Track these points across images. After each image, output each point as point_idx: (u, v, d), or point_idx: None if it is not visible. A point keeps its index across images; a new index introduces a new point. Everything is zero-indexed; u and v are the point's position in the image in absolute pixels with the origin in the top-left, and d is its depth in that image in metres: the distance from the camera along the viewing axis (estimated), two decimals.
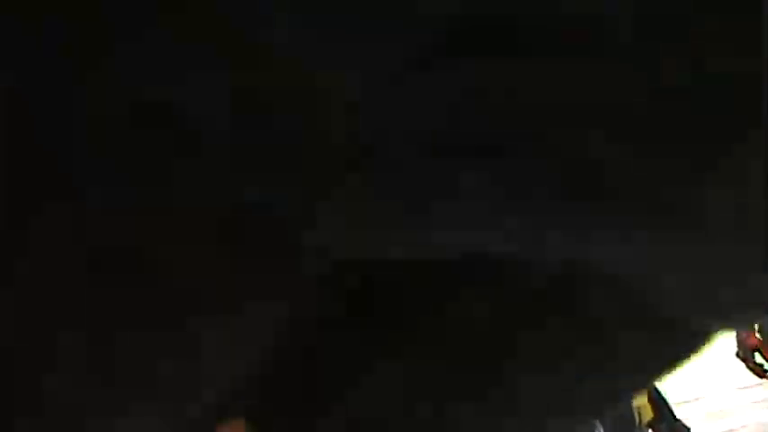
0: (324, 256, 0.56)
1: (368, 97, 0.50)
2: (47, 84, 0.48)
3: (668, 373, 0.75)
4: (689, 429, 4.80)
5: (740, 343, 4.79)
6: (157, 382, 0.59)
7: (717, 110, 0.53)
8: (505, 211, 0.56)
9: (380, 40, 0.49)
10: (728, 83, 0.53)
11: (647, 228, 0.56)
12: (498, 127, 0.53)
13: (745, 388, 4.78)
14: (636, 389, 1.00)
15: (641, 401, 4.44)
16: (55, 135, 0.50)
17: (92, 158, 0.50)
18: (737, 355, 4.89)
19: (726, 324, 0.70)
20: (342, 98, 0.50)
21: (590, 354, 0.72)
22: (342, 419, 0.70)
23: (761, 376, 4.94)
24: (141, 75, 0.48)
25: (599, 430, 3.87)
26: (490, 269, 0.64)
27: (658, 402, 4.65)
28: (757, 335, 4.75)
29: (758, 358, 4.81)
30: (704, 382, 17.82)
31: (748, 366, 4.88)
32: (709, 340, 0.71)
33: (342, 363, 0.71)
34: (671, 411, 4.73)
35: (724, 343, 4.21)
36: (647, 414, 4.57)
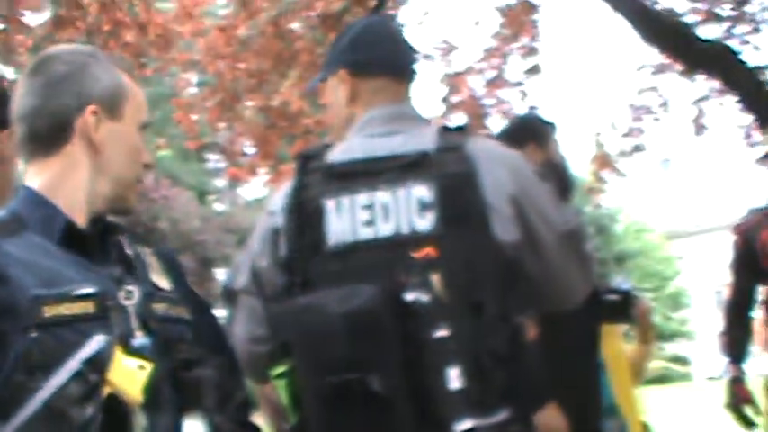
0: None
1: None
2: None
3: None
4: None
5: (731, 395, 5.13)
6: None
7: None
8: None
9: None
10: None
11: None
12: None
13: None
14: None
15: None
16: None
17: None
18: (728, 406, 5.12)
19: None
20: None
21: None
22: None
23: (749, 427, 5.11)
24: None
25: None
26: None
27: None
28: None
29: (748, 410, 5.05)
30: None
31: (738, 418, 5.08)
32: None
33: None
34: None
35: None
36: None
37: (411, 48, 2.98)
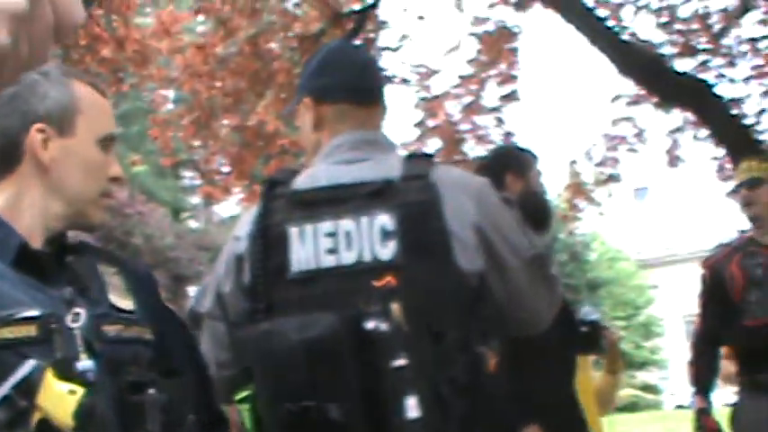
0: None
1: None
2: None
3: None
4: None
5: (699, 427, 5.16)
6: None
7: None
8: None
9: None
10: None
11: None
12: None
13: None
14: None
15: None
16: None
17: None
18: None
19: None
20: None
21: None
22: None
23: None
24: None
25: None
26: None
27: None
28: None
29: None
30: None
31: None
32: None
33: None
34: None
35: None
36: None
37: (377, 72, 3.01)
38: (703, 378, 5.32)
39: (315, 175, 2.76)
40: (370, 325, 2.35)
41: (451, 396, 2.37)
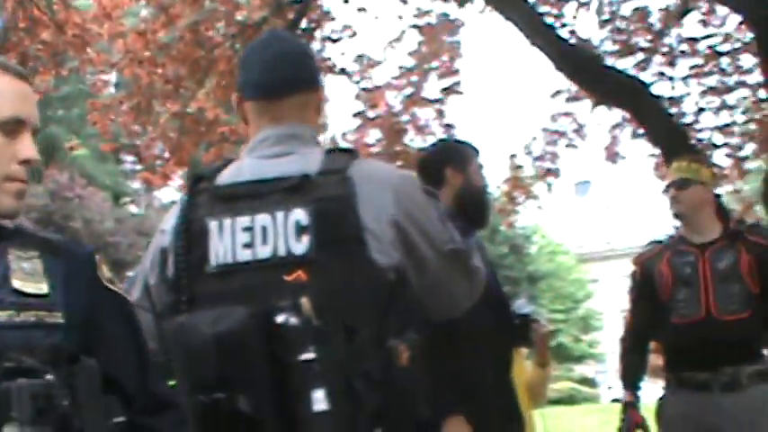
0: None
1: None
2: None
3: None
4: None
5: (624, 419, 5.23)
6: None
7: None
8: None
9: None
10: None
11: None
12: None
13: None
14: None
15: None
16: None
17: None
18: (619, 430, 5.16)
19: None
20: None
21: None
22: None
23: None
24: None
25: None
26: None
27: None
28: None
29: None
30: None
31: None
32: None
33: None
34: None
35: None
36: None
37: (291, 64, 2.92)
38: (631, 373, 5.38)
39: (239, 169, 2.79)
40: (280, 319, 2.38)
41: (365, 390, 2.40)
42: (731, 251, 5.08)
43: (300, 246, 2.56)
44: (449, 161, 4.19)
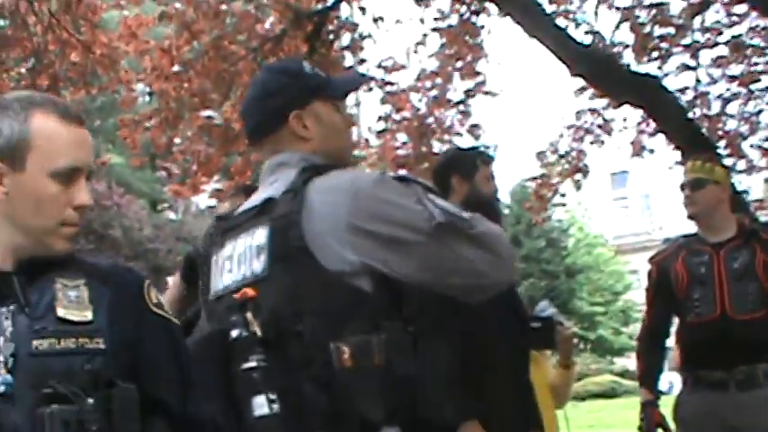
0: None
1: None
2: None
3: None
4: None
5: (644, 418, 5.31)
6: None
7: None
8: None
9: None
10: None
11: None
12: None
13: None
14: None
15: None
16: None
17: None
18: (640, 429, 5.27)
19: None
20: None
21: None
22: None
23: None
24: None
25: None
26: None
27: None
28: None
29: None
30: None
31: None
32: None
33: None
34: None
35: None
36: None
37: (255, 112, 3.01)
38: (649, 372, 5.45)
39: (249, 202, 2.95)
40: (234, 333, 2.54)
41: (313, 393, 2.52)
42: (746, 250, 5.13)
43: (259, 264, 2.69)
44: (455, 170, 4.32)
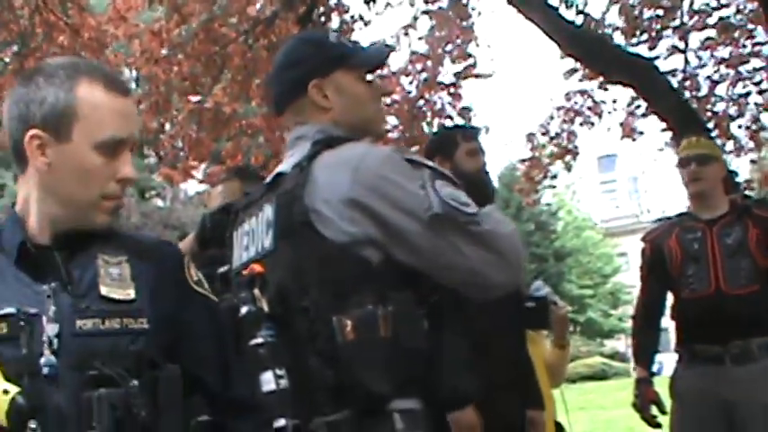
0: None
1: None
2: None
3: None
4: None
5: (638, 395, 5.34)
6: None
7: None
8: None
9: None
10: None
11: None
12: None
13: None
14: None
15: None
16: None
17: None
18: (634, 406, 5.34)
19: None
20: None
21: None
22: None
23: (655, 426, 5.29)
24: None
25: None
26: None
27: None
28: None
29: (653, 410, 5.25)
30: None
31: (644, 417, 5.29)
32: None
33: None
34: None
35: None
36: None
37: (286, 72, 2.96)
38: (644, 349, 5.47)
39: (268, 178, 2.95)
40: (243, 310, 2.52)
41: (320, 367, 2.50)
42: (739, 226, 5.14)
43: (267, 240, 2.68)
44: (437, 151, 4.33)
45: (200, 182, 12.62)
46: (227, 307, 2.58)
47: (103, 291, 2.21)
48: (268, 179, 2.87)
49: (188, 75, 10.20)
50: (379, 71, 3.32)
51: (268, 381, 2.44)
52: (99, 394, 2.07)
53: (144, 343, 2.20)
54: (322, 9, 10.32)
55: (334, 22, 10.91)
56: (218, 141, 11.51)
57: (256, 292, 2.55)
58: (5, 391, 2.03)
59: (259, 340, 2.48)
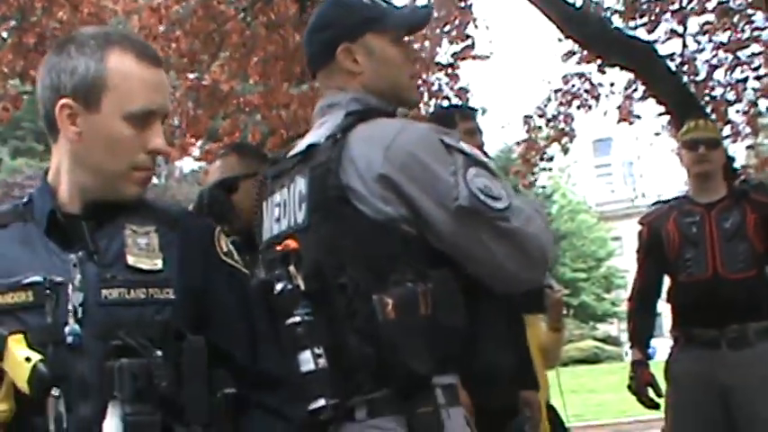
0: None
1: None
2: None
3: None
4: None
5: (634, 378, 5.35)
6: None
7: None
8: None
9: None
10: None
11: None
12: None
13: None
14: None
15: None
16: None
17: None
18: (630, 388, 5.38)
19: None
20: None
21: None
22: None
23: (652, 408, 5.31)
24: None
25: None
26: None
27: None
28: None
29: (650, 392, 5.26)
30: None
31: (640, 400, 5.31)
32: None
33: None
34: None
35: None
36: None
37: (318, 33, 2.88)
38: (640, 332, 5.49)
39: (297, 145, 2.88)
40: (278, 287, 2.48)
41: (359, 346, 2.46)
42: (737, 210, 5.16)
43: (300, 214, 2.62)
44: None
45: (197, 159, 12.56)
46: (259, 282, 2.55)
47: (130, 260, 2.21)
48: (299, 148, 2.78)
49: (186, 52, 10.14)
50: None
51: (306, 360, 2.42)
52: (120, 364, 2.07)
53: (170, 313, 2.21)
54: None
55: None
56: (215, 119, 11.48)
57: (291, 269, 2.51)
58: (28, 359, 2.04)
59: (296, 319, 2.45)
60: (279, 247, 2.57)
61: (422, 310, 2.46)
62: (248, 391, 2.31)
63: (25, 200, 2.35)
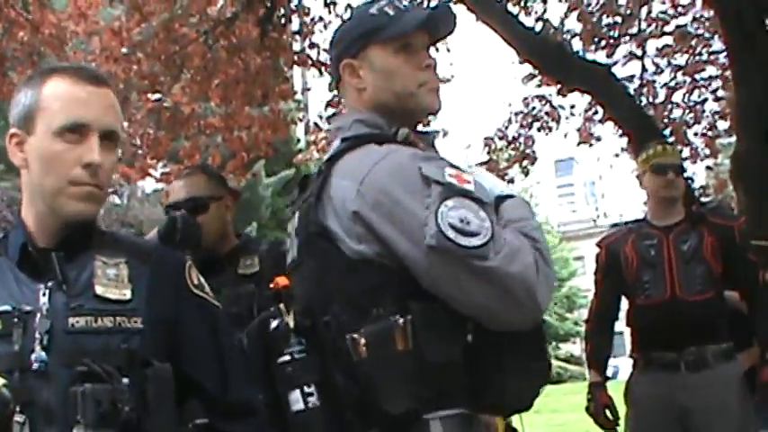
0: None
1: None
2: None
3: None
4: None
5: (592, 400, 5.38)
6: None
7: None
8: None
9: None
10: None
11: None
12: None
13: None
14: None
15: None
16: None
17: None
18: (587, 410, 5.39)
19: None
20: None
21: None
22: None
23: (610, 429, 5.29)
24: None
25: None
26: None
27: None
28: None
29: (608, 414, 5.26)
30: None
31: (598, 422, 5.31)
32: None
33: None
34: None
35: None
36: None
37: (331, 59, 2.77)
38: (598, 353, 5.50)
39: None
40: (273, 323, 2.48)
41: (346, 385, 2.37)
42: (695, 233, 5.20)
43: (294, 249, 2.59)
44: None
45: (158, 180, 12.55)
46: (259, 319, 2.56)
47: (98, 290, 2.26)
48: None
49: (147, 74, 10.15)
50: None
51: (296, 400, 2.39)
52: (84, 389, 2.11)
53: (138, 342, 2.24)
54: (282, 11, 10.29)
55: (295, 24, 10.91)
56: (176, 140, 11.47)
57: (281, 306, 2.50)
58: None
59: (286, 357, 2.42)
60: (271, 285, 2.56)
61: (398, 346, 2.30)
62: (219, 422, 2.37)
63: (1, 235, 2.41)
